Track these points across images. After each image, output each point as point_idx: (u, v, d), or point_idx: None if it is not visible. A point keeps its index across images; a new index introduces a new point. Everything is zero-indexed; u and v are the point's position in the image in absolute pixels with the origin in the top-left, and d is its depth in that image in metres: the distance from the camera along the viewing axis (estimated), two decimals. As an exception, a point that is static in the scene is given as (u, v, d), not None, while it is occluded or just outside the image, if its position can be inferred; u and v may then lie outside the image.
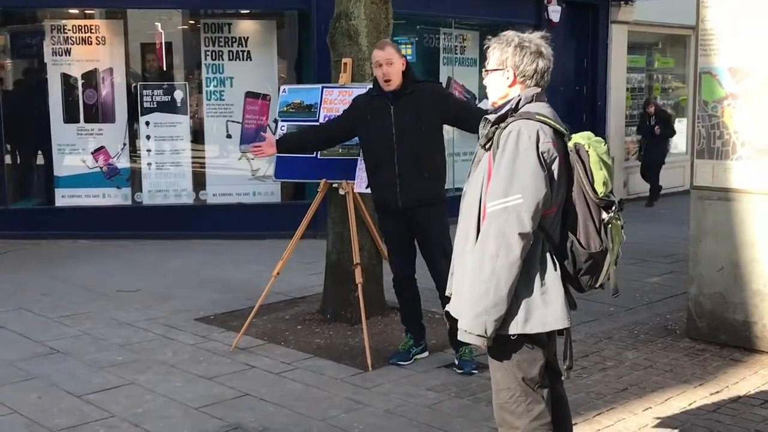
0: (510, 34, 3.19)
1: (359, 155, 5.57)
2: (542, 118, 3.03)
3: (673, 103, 14.41)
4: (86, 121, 9.83)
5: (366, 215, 5.95)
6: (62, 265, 8.25)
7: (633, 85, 13.55)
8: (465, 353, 5.18)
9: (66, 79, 9.76)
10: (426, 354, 5.47)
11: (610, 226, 3.04)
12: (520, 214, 2.91)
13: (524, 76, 3.13)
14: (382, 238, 6.03)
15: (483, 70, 3.28)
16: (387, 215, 5.26)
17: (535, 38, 3.16)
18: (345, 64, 5.97)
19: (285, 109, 6.12)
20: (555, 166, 3.00)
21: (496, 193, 2.96)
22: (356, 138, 5.55)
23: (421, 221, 5.11)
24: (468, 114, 5.10)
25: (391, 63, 5.05)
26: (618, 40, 12.91)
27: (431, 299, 5.71)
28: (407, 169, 5.03)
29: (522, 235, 2.91)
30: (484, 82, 3.26)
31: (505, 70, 3.14)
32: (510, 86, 3.15)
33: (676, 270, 7.92)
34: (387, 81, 5.07)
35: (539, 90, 3.14)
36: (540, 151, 2.96)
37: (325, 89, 6.00)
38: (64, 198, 9.80)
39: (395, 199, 5.09)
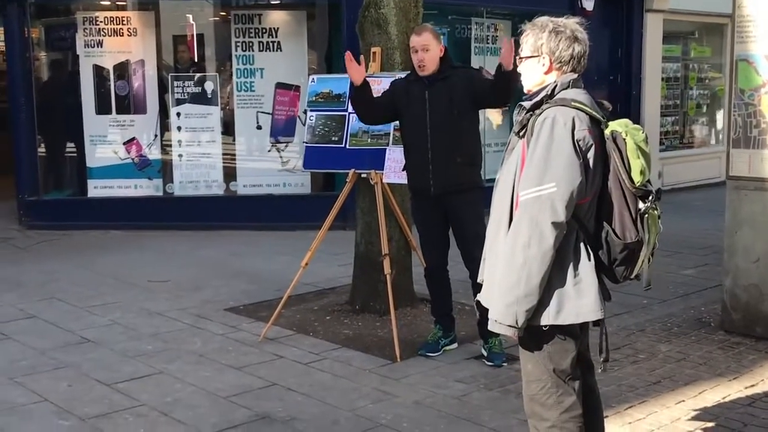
0: (544, 19, 3.12)
1: (388, 145, 5.52)
2: (578, 104, 2.96)
3: (710, 93, 14.18)
4: (118, 112, 9.88)
5: (395, 205, 5.91)
6: (94, 255, 8.31)
7: (668, 75, 13.33)
8: (495, 345, 5.13)
9: (98, 70, 9.82)
10: (455, 345, 5.42)
11: (646, 216, 2.96)
12: (554, 203, 2.85)
13: (561, 62, 3.06)
14: (411, 228, 6.01)
15: (517, 57, 3.22)
16: (421, 202, 5.21)
17: (571, 23, 3.09)
18: (374, 53, 5.93)
19: (314, 98, 6.10)
20: (591, 154, 2.93)
21: (529, 182, 2.91)
22: (386, 126, 5.53)
23: (455, 208, 5.05)
24: (489, 86, 5.00)
25: (427, 49, 5.00)
26: (653, 29, 12.71)
27: (461, 291, 5.69)
28: (440, 155, 4.98)
29: (555, 225, 2.85)
30: (519, 69, 3.20)
31: (541, 56, 3.07)
32: (546, 73, 3.09)
33: (710, 262, 7.79)
34: (421, 67, 5.02)
35: (576, 76, 3.07)
36: (575, 138, 2.90)
37: (353, 79, 5.96)
38: (96, 189, 9.86)
39: (428, 185, 5.04)
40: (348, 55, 5.09)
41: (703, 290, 6.87)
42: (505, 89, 4.86)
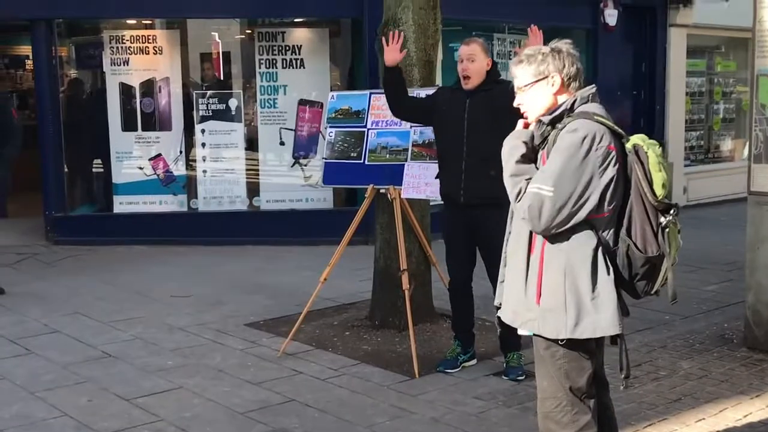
0: (534, 47, 3.20)
1: (406, 161, 5.55)
2: (600, 119, 2.98)
3: (735, 107, 14.07)
4: (144, 129, 9.98)
5: (414, 221, 5.91)
6: (118, 270, 8.39)
7: (693, 90, 13.26)
8: (512, 359, 5.11)
9: (124, 88, 9.93)
10: (474, 362, 5.40)
11: (667, 230, 2.97)
12: (543, 205, 2.92)
13: (569, 77, 3.09)
14: (431, 243, 6.02)
15: (516, 89, 3.23)
16: (450, 212, 5.19)
17: (561, 43, 3.16)
18: (393, 69, 5.95)
19: (333, 115, 6.14)
20: (615, 168, 2.95)
21: (536, 178, 2.99)
22: (405, 142, 5.54)
23: (484, 221, 4.98)
24: None
25: (472, 60, 5.00)
26: (677, 43, 12.65)
27: (482, 306, 5.67)
28: (474, 165, 4.95)
29: (530, 223, 3.00)
30: (518, 102, 3.22)
31: (549, 76, 3.09)
32: (557, 93, 3.11)
33: (734, 278, 7.70)
34: (465, 78, 5.03)
35: (594, 89, 3.10)
36: (597, 154, 2.92)
37: (372, 95, 6.01)
38: (121, 205, 9.96)
39: (458, 194, 5.01)
40: (391, 34, 5.23)
41: (726, 306, 6.80)
42: None
